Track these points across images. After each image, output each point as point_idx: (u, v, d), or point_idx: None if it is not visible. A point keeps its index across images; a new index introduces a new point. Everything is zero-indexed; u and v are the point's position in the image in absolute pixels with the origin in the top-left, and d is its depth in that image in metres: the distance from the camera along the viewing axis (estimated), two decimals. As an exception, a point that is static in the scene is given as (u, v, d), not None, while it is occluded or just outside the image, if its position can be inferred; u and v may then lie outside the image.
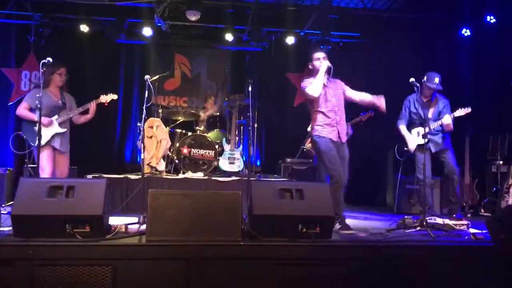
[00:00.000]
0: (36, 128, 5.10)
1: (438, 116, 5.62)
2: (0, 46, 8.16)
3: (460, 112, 5.43)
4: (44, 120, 5.07)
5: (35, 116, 5.14)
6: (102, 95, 5.49)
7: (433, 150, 5.60)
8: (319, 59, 4.89)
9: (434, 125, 5.55)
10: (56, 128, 5.23)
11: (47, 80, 5.23)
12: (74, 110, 5.41)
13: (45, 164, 5.11)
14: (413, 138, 5.67)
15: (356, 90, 5.08)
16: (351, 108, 6.66)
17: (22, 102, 5.30)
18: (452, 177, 5.56)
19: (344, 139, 4.89)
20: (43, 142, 5.09)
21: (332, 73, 4.90)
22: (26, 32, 8.05)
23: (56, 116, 5.25)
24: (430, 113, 5.64)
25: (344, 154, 4.87)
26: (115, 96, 5.57)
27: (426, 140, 5.37)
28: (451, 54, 7.44)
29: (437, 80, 5.52)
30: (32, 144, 5.18)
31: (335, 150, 4.77)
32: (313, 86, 4.78)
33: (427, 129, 5.27)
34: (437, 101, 5.68)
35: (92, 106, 5.41)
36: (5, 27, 8.06)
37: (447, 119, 5.42)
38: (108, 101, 5.52)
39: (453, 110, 5.54)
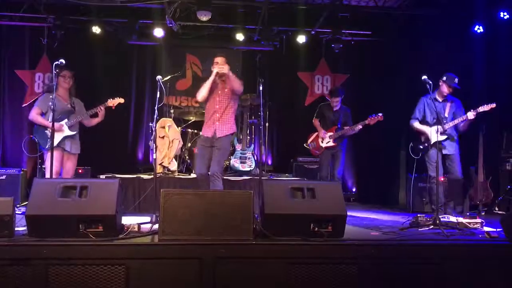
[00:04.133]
0: (47, 132, 5.24)
1: (453, 117, 5.61)
2: (14, 48, 8.29)
3: (485, 107, 5.38)
4: (55, 125, 5.15)
5: (45, 121, 5.30)
6: (109, 100, 5.59)
7: (445, 152, 5.57)
8: (217, 63, 5.17)
9: (452, 123, 5.54)
10: (66, 132, 5.36)
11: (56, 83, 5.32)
12: (83, 114, 5.53)
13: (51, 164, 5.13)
14: (433, 134, 5.58)
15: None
16: (361, 110, 6.64)
17: (34, 107, 5.44)
18: (456, 184, 5.62)
19: (221, 134, 5.12)
20: (54, 144, 5.17)
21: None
22: (39, 34, 8.16)
23: (66, 120, 5.36)
24: (446, 112, 5.65)
25: (220, 146, 5.10)
26: (121, 100, 5.65)
27: (446, 136, 5.47)
28: (464, 51, 7.36)
29: (456, 80, 5.57)
30: (43, 147, 5.32)
31: (204, 146, 5.15)
32: (199, 92, 5.19)
33: (446, 126, 5.44)
34: (452, 102, 5.70)
35: (101, 109, 5.53)
36: (18, 29, 8.18)
37: (471, 114, 5.39)
38: (115, 104, 5.61)
39: (466, 109, 5.53)
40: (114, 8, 7.52)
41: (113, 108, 5.62)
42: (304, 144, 6.76)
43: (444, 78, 5.61)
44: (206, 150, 5.13)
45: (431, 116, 5.64)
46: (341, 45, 8.25)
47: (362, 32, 8.56)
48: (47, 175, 5.08)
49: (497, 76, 7.08)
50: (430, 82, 4.80)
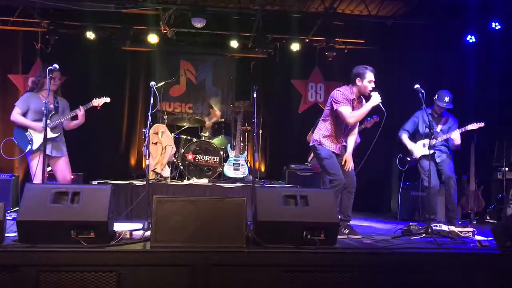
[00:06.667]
0: (27, 134, 5.07)
1: (445, 133, 5.71)
2: (7, 52, 8.25)
3: (473, 126, 5.50)
4: (37, 127, 5.05)
5: (27, 122, 5.09)
6: (94, 99, 5.35)
7: (437, 160, 5.67)
8: (371, 82, 4.69)
9: (441, 138, 5.64)
10: (48, 133, 5.13)
11: (40, 83, 5.17)
12: (66, 115, 5.26)
13: (38, 170, 4.91)
14: (418, 148, 5.70)
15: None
16: None
17: (15, 107, 5.18)
18: (448, 182, 5.61)
19: (346, 150, 4.96)
20: (34, 147, 5.03)
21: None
22: (33, 39, 8.13)
23: (48, 121, 5.16)
24: (439, 128, 5.74)
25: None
26: (107, 99, 5.41)
27: (432, 151, 5.47)
28: (456, 60, 7.42)
29: (447, 99, 5.61)
30: (23, 150, 5.07)
31: (335, 157, 4.81)
32: (355, 119, 4.72)
33: (433, 141, 5.43)
34: (447, 120, 5.79)
35: (80, 111, 5.24)
36: (12, 34, 8.14)
37: (455, 134, 5.50)
38: (100, 104, 5.36)
39: (463, 125, 5.62)
40: (108, 14, 7.52)
41: (99, 108, 5.37)
42: (306, 163, 6.80)
43: (436, 96, 5.70)
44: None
45: (424, 130, 5.70)
46: (335, 53, 8.30)
47: (355, 41, 8.62)
48: (34, 180, 4.93)
49: (489, 85, 7.14)
50: (423, 91, 4.83)
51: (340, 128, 4.83)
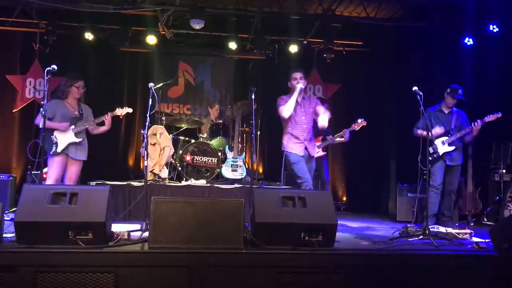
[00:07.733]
0: (53, 137, 5.19)
1: (459, 129, 5.70)
2: (5, 53, 8.23)
3: (491, 117, 5.51)
4: (62, 126, 5.17)
5: (53, 124, 5.20)
6: (117, 108, 5.47)
7: (450, 163, 5.67)
8: (296, 79, 5.21)
9: (460, 134, 5.64)
10: (72, 138, 5.23)
11: (65, 92, 5.32)
12: (90, 121, 5.40)
13: (52, 171, 5.13)
14: (438, 145, 5.67)
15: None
16: (351, 119, 6.66)
17: (40, 113, 5.27)
18: (450, 194, 5.72)
19: (313, 153, 5.30)
20: (59, 150, 5.15)
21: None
22: (31, 39, 8.13)
23: (72, 126, 5.26)
24: (452, 124, 5.74)
25: (312, 168, 5.32)
26: (130, 110, 5.54)
27: (454, 147, 5.59)
28: (454, 63, 7.44)
29: (460, 91, 5.68)
30: (48, 152, 5.18)
31: (304, 162, 5.16)
32: (286, 108, 5.13)
33: (452, 138, 5.59)
34: (458, 115, 5.80)
35: (107, 118, 5.39)
36: (10, 34, 8.13)
37: (477, 128, 5.53)
38: (123, 114, 5.50)
39: (479, 118, 5.61)
40: (107, 15, 7.52)
41: (121, 117, 5.52)
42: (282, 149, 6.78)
43: (448, 90, 5.73)
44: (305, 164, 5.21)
45: (438, 128, 5.69)
46: (333, 55, 8.31)
47: (353, 43, 8.63)
48: (47, 181, 5.06)
49: (486, 88, 7.16)
50: (421, 93, 4.84)
51: (298, 129, 5.20)
